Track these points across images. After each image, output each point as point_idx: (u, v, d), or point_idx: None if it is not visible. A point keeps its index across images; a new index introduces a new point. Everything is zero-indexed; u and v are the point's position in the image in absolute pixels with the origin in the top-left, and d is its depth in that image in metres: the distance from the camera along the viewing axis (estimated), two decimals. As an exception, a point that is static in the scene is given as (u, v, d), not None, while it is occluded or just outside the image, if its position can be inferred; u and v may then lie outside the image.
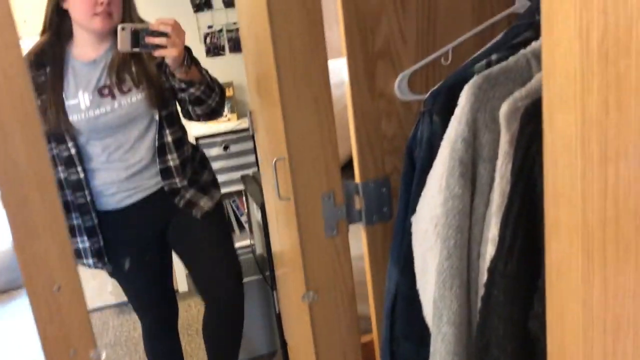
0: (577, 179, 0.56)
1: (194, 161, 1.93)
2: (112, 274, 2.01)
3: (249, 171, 3.59)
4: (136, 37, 1.50)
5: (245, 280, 2.78)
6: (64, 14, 1.70)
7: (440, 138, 1.00)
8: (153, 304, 2.05)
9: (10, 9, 0.91)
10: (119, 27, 1.49)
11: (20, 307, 3.80)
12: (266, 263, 2.65)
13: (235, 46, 3.79)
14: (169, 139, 1.78)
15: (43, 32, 1.74)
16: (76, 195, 1.77)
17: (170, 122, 1.79)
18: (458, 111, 0.91)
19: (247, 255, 3.34)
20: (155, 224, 1.93)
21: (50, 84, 1.69)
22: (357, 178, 1.18)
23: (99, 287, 3.60)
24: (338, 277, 1.18)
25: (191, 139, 2.52)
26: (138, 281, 1.99)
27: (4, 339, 3.43)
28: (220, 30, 3.78)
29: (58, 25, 1.71)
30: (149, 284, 2.01)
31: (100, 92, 1.71)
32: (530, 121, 0.80)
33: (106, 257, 1.85)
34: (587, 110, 0.52)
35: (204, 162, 2.01)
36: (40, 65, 1.70)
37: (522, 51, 0.92)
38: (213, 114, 1.78)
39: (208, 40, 3.77)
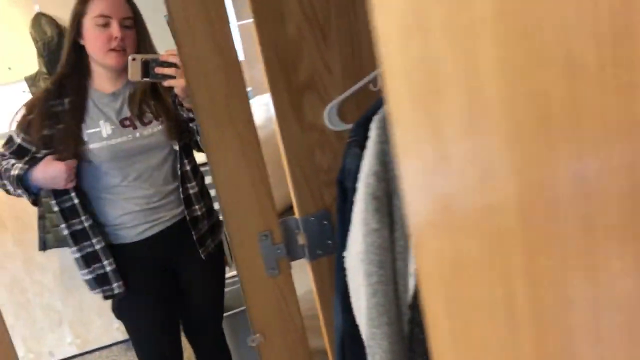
0: (429, 230, 0.53)
1: (205, 191, 1.97)
2: (120, 313, 2.01)
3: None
4: (146, 68, 1.55)
5: (238, 310, 2.78)
6: (81, 49, 1.74)
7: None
8: (159, 345, 2.03)
9: None
10: (130, 57, 1.55)
11: None
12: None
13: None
14: (187, 167, 1.83)
15: (62, 65, 1.77)
16: (81, 221, 1.79)
17: (187, 152, 1.84)
18: (369, 144, 0.89)
19: (236, 285, 3.31)
20: (169, 260, 1.95)
21: (71, 112, 1.72)
22: (297, 213, 1.15)
23: (105, 325, 3.60)
24: (285, 316, 1.15)
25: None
26: (148, 316, 1.97)
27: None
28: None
29: (76, 59, 1.75)
30: (157, 321, 1.99)
31: (122, 123, 1.77)
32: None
33: (115, 283, 1.85)
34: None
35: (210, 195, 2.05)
36: (60, 95, 1.74)
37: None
38: None
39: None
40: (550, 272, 0.39)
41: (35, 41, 3.20)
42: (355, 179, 1.02)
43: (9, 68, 3.29)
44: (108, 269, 1.83)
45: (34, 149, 1.74)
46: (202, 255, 1.91)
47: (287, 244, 1.15)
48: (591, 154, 0.32)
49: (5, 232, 3.37)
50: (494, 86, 0.37)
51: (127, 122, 1.77)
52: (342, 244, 1.08)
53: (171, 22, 1.01)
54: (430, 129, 0.46)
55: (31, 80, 3.23)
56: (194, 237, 1.87)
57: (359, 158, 1.01)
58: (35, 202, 1.80)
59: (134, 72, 1.55)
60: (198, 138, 1.78)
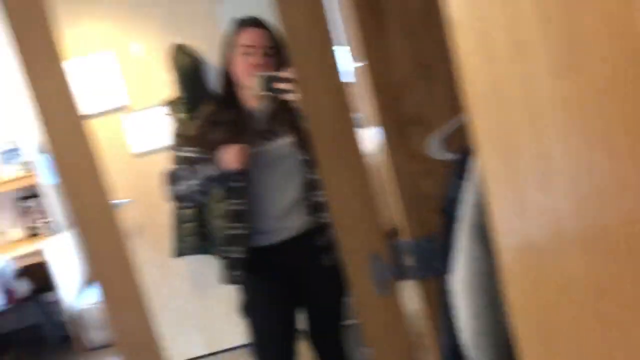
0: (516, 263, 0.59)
1: None
2: (243, 312, 2.20)
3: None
4: (268, 83, 1.76)
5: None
6: (230, 74, 2.02)
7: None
8: (276, 348, 2.18)
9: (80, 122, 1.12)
10: (254, 74, 1.79)
11: None
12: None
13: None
14: (313, 177, 1.97)
15: (221, 87, 2.06)
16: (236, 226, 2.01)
17: (314, 162, 1.99)
18: (471, 175, 0.95)
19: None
20: (294, 267, 2.11)
21: (231, 124, 1.99)
22: (405, 236, 1.23)
23: (232, 328, 3.85)
24: (394, 333, 1.24)
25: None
26: (269, 317, 2.14)
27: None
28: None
29: (229, 83, 2.03)
30: (276, 324, 2.15)
31: (259, 135, 2.00)
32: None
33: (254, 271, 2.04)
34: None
35: None
36: (221, 111, 2.03)
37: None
38: None
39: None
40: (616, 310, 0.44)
41: (175, 69, 3.53)
42: (458, 207, 1.09)
43: (153, 94, 3.65)
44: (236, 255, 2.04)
45: (198, 155, 2.00)
46: (326, 264, 2.01)
47: (396, 265, 1.24)
48: None
49: (146, 239, 3.73)
50: (558, 152, 0.44)
51: (263, 134, 2.00)
52: (446, 268, 1.15)
53: (292, 67, 1.14)
54: (510, 179, 0.53)
55: (171, 104, 3.57)
56: (319, 245, 2.00)
57: (461, 187, 1.07)
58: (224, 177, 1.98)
59: (258, 87, 1.76)
60: None
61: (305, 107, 1.16)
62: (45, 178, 4.70)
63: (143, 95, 3.65)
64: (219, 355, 3.87)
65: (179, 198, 2.06)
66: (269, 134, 1.99)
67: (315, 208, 2.00)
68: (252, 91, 1.96)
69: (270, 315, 2.15)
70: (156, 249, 3.75)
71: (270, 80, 1.76)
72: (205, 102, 2.13)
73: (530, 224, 0.53)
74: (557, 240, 0.48)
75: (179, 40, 3.56)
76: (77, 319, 4.41)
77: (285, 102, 1.93)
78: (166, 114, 3.55)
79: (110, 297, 1.18)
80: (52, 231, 4.60)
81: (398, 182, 1.20)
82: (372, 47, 1.15)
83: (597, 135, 0.38)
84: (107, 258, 1.15)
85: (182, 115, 3.55)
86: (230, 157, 1.91)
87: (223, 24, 3.91)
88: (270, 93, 1.77)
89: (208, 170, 1.95)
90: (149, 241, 3.75)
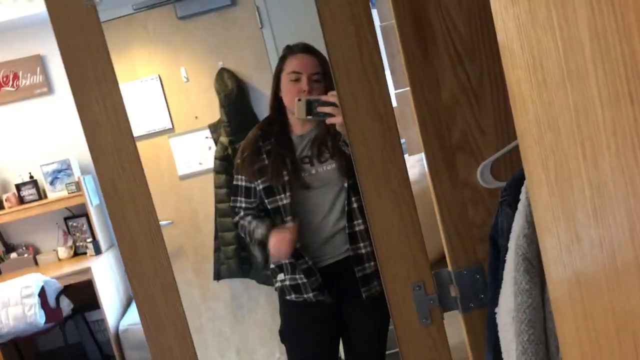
0: (566, 298, 0.57)
1: None
2: (283, 337, 2.19)
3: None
4: (310, 107, 1.76)
5: (392, 351, 2.83)
6: (280, 99, 2.05)
7: (514, 229, 1.01)
8: None
9: (137, 149, 1.13)
10: (296, 98, 1.78)
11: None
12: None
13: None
14: (355, 205, 1.96)
15: (270, 112, 2.10)
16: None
17: (356, 190, 1.97)
18: (520, 206, 0.93)
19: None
20: (333, 297, 2.08)
21: (277, 149, 2.03)
22: (450, 266, 1.21)
23: (268, 354, 3.83)
24: (436, 364, 1.20)
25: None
26: (314, 346, 2.13)
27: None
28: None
29: (276, 108, 2.06)
30: (314, 354, 2.14)
31: (302, 160, 2.02)
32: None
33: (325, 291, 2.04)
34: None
35: None
36: (266, 137, 2.06)
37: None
38: None
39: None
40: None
41: (218, 93, 3.59)
42: (507, 237, 1.06)
43: (196, 117, 3.72)
44: (300, 282, 2.04)
45: (253, 185, 2.04)
46: (364, 296, 1.99)
47: (440, 295, 1.21)
48: None
49: (186, 262, 3.76)
50: (612, 184, 0.42)
51: (306, 160, 2.00)
52: (493, 300, 1.11)
53: (337, 93, 1.14)
54: (564, 212, 0.51)
55: (213, 127, 3.63)
56: (359, 276, 1.97)
57: (510, 217, 1.04)
58: (265, 260, 2.08)
59: (300, 111, 1.76)
60: None
61: (352, 132, 1.15)
62: (92, 198, 4.82)
63: (186, 118, 3.72)
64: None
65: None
66: (313, 160, 2.00)
67: (353, 238, 1.98)
68: (295, 115, 1.98)
69: (305, 344, 2.13)
70: (197, 272, 3.78)
71: (312, 103, 1.75)
72: (250, 127, 2.15)
73: (583, 256, 0.51)
74: (613, 272, 0.45)
75: (224, 64, 3.63)
76: (119, 338, 4.46)
77: (329, 127, 1.95)
78: (208, 137, 3.61)
79: (151, 318, 1.18)
80: (98, 250, 4.70)
81: (443, 209, 1.18)
82: (419, 72, 1.14)
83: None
84: (151, 279, 1.16)
85: (224, 139, 3.60)
86: (278, 247, 1.98)
87: (269, 48, 3.98)
88: (312, 117, 1.76)
89: (259, 239, 2.03)
90: (190, 263, 3.78)
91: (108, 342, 4.61)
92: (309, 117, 1.77)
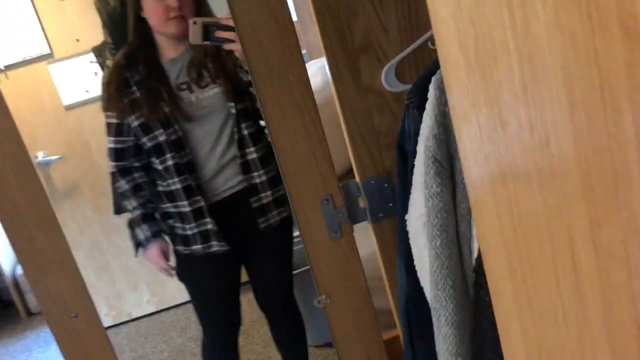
0: (488, 195, 0.51)
1: (271, 159, 1.92)
2: (183, 278, 2.08)
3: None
4: (207, 31, 1.55)
5: (303, 269, 2.82)
6: (143, 21, 1.79)
7: (422, 131, 0.95)
8: (222, 315, 2.08)
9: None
10: (191, 21, 1.55)
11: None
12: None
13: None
14: (246, 132, 1.82)
15: (129, 39, 1.85)
16: (186, 178, 1.84)
17: (245, 115, 1.82)
18: (428, 106, 0.87)
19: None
20: (230, 231, 1.94)
21: (147, 79, 1.79)
22: (357, 176, 1.15)
23: (180, 284, 3.75)
24: (349, 278, 1.17)
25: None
26: (212, 290, 2.04)
27: None
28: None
29: (140, 32, 1.81)
30: (222, 294, 2.06)
31: (178, 87, 1.80)
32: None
33: (215, 240, 1.89)
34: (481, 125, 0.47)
35: None
36: (132, 65, 1.81)
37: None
38: None
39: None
40: (615, 240, 0.37)
41: (100, 12, 3.28)
42: (414, 142, 1.01)
43: (77, 40, 3.40)
44: (189, 232, 1.90)
45: (125, 122, 1.81)
46: (261, 227, 1.88)
47: (349, 207, 1.16)
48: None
49: (82, 198, 3.54)
50: (548, 52, 0.35)
51: (184, 86, 1.79)
52: (403, 207, 1.07)
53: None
54: (487, 94, 0.44)
55: (98, 51, 3.33)
56: (252, 207, 1.86)
57: (417, 120, 0.99)
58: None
59: (195, 35, 1.54)
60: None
61: (245, 34, 1.03)
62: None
63: (66, 42, 3.38)
64: (171, 311, 3.79)
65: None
66: (191, 86, 1.80)
67: (246, 168, 1.84)
68: (169, 37, 1.77)
69: (205, 282, 2.03)
70: (96, 207, 3.57)
71: (210, 27, 1.54)
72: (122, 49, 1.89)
73: (510, 143, 0.44)
74: (545, 159, 0.39)
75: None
76: (18, 282, 4.21)
77: (205, 48, 1.76)
78: (93, 62, 3.32)
79: (32, 260, 1.05)
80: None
81: (348, 117, 1.10)
82: (314, -33, 1.03)
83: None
84: (25, 215, 1.02)
85: (110, 62, 3.32)
86: (152, 259, 1.93)
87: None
88: (210, 42, 1.57)
89: (137, 227, 1.93)
90: (88, 199, 3.56)
91: (6, 289, 4.35)
92: (206, 42, 1.57)
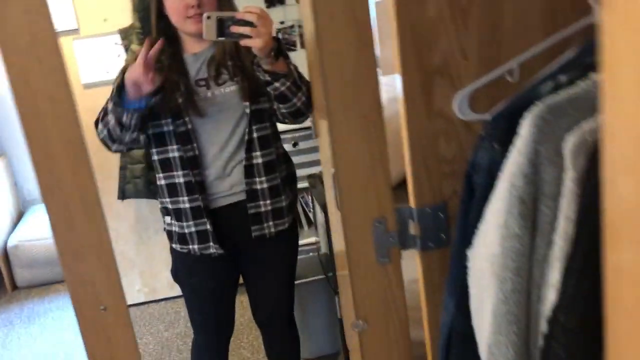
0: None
1: (280, 168, 1.89)
2: (178, 277, 2.02)
3: (318, 168, 3.57)
4: (221, 26, 1.48)
5: (309, 279, 2.76)
6: (165, 18, 1.76)
7: (500, 166, 0.91)
8: (214, 318, 2.03)
9: (55, 35, 0.91)
10: (204, 15, 1.49)
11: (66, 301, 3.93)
12: (330, 263, 2.62)
13: (307, 41, 3.75)
14: (256, 135, 1.78)
15: (153, 35, 1.80)
16: (188, 173, 1.78)
17: (258, 118, 1.79)
18: (519, 142, 0.83)
19: (313, 253, 3.34)
20: (231, 238, 1.90)
21: (167, 71, 1.74)
22: (412, 203, 1.10)
23: (128, 286, 3.64)
24: (390, 306, 1.12)
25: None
26: (207, 293, 1.99)
27: (52, 334, 3.57)
28: (292, 26, 3.76)
29: (163, 28, 1.78)
30: (217, 298, 2.00)
31: (197, 83, 1.77)
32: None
33: (213, 240, 1.83)
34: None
35: (292, 177, 1.98)
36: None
37: (594, 75, 0.82)
38: (298, 114, 1.73)
39: (280, 35, 3.75)
40: None
41: (131, -7, 3.23)
42: (486, 176, 0.96)
43: (105, 20, 3.35)
44: (187, 230, 1.85)
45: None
46: (253, 235, 1.83)
47: (399, 232, 1.11)
48: None
49: (88, 179, 3.47)
50: None
51: (202, 82, 1.77)
52: (461, 241, 1.03)
53: (312, 2, 0.97)
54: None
55: (124, 33, 3.27)
56: (249, 212, 1.81)
57: (497, 154, 0.95)
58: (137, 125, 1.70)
59: (209, 31, 1.48)
60: (275, 105, 1.72)
61: (324, 40, 0.98)
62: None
63: (94, 20, 3.33)
64: (161, 304, 3.72)
65: (104, 139, 1.77)
66: (209, 82, 1.77)
67: (254, 171, 1.79)
68: (190, 35, 1.74)
69: (202, 288, 1.98)
70: (100, 190, 3.49)
71: (225, 22, 1.48)
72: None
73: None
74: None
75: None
76: (8, 255, 4.12)
77: (228, 45, 1.74)
78: (118, 43, 3.26)
79: (68, 243, 0.99)
80: (-18, 159, 4.24)
81: (414, 140, 1.06)
82: (404, -20, 0.99)
83: None
84: (70, 197, 0.97)
85: (135, 47, 3.27)
86: (131, 69, 1.59)
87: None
88: (225, 38, 1.50)
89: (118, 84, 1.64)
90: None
91: (-6, 259, 4.26)
92: (221, 38, 1.49)
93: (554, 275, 0.79)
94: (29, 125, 0.93)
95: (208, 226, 1.81)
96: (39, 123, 0.93)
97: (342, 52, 0.99)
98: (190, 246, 1.86)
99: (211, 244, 1.83)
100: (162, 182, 1.84)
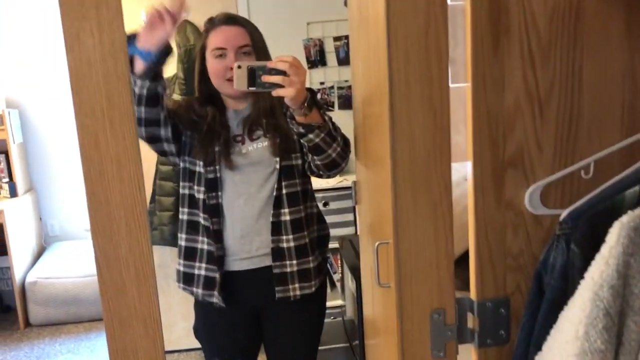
0: None
1: (312, 228, 1.85)
2: (197, 336, 1.97)
3: (346, 229, 3.51)
4: (253, 76, 1.44)
5: (331, 346, 2.67)
6: (208, 80, 1.80)
7: (578, 270, 0.87)
8: None
9: (131, 100, 0.89)
10: (235, 65, 1.46)
11: (78, 344, 3.85)
12: (355, 330, 2.53)
13: (345, 103, 3.78)
14: (285, 191, 1.75)
15: (195, 94, 1.86)
16: (210, 220, 1.76)
17: (288, 174, 1.76)
18: (606, 251, 0.78)
19: (336, 318, 3.25)
20: (256, 301, 1.85)
21: (210, 120, 1.78)
22: (473, 295, 1.05)
23: (188, 329, 3.60)
24: (442, 403, 1.05)
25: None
26: (229, 353, 1.92)
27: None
28: (332, 87, 3.79)
29: (205, 88, 1.82)
30: (238, 354, 1.94)
31: (234, 138, 1.79)
32: None
33: (218, 290, 1.79)
34: None
35: (324, 240, 1.94)
36: (202, 104, 1.82)
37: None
38: (333, 166, 1.68)
39: (319, 96, 3.78)
40: None
41: (179, 47, 3.29)
42: (561, 278, 0.92)
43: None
44: (197, 272, 1.81)
45: (181, 124, 1.77)
46: (276, 297, 1.77)
47: (458, 326, 1.06)
48: None
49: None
50: None
51: (239, 138, 1.78)
52: (527, 343, 0.97)
53: (389, 76, 0.95)
54: None
55: (167, 82, 3.32)
56: (273, 272, 1.75)
57: (570, 255, 0.90)
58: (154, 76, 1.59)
59: (240, 80, 1.44)
60: (310, 157, 1.70)
61: (398, 123, 0.96)
62: (15, 135, 4.38)
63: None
64: (174, 355, 3.64)
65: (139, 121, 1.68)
66: (244, 138, 1.78)
67: (281, 228, 1.75)
68: (228, 97, 1.78)
69: (221, 347, 1.91)
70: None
71: (256, 72, 1.44)
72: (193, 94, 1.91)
73: None
74: None
75: (188, 16, 3.32)
76: (25, 290, 4.09)
77: (264, 103, 1.75)
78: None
79: (116, 311, 0.96)
80: (14, 193, 4.27)
81: (480, 231, 1.02)
82: (484, 67, 0.97)
83: None
84: (124, 265, 0.94)
85: (177, 97, 3.30)
86: (151, 20, 1.46)
87: (240, 6, 3.69)
88: (256, 89, 1.46)
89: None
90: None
91: (11, 293, 4.22)
92: (252, 88, 1.45)
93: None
94: (92, 186, 0.91)
95: (217, 274, 1.77)
96: (102, 186, 0.91)
97: (415, 138, 0.97)
98: (194, 289, 1.82)
99: (215, 293, 1.78)
100: (184, 217, 1.83)
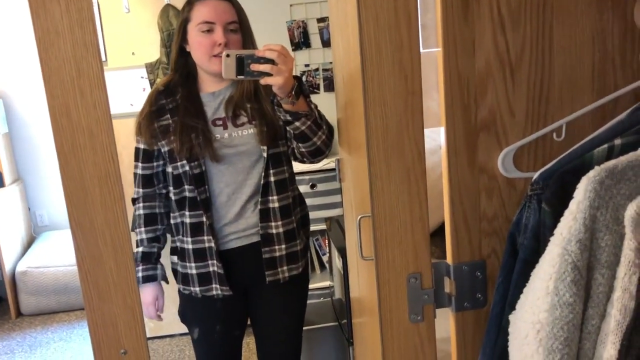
0: None
1: (295, 211, 1.86)
2: (183, 319, 1.98)
3: (335, 210, 3.53)
4: (241, 64, 1.43)
5: (320, 325, 2.69)
6: (187, 55, 1.75)
7: (549, 229, 0.88)
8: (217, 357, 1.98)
9: (102, 70, 0.89)
10: (224, 53, 1.44)
11: (70, 332, 3.87)
12: (344, 310, 2.55)
13: (330, 85, 3.78)
14: (273, 178, 1.75)
15: (171, 71, 1.80)
16: (198, 215, 1.76)
17: (276, 162, 1.76)
18: (573, 206, 0.79)
19: (325, 298, 3.27)
20: (241, 281, 1.86)
21: (183, 109, 1.73)
22: (449, 259, 1.06)
23: (177, 315, 3.62)
24: (420, 366, 1.07)
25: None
26: (214, 335, 1.93)
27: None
28: (317, 69, 3.78)
29: (183, 65, 1.77)
30: (224, 341, 1.95)
31: (213, 122, 1.74)
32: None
33: (218, 283, 1.80)
34: None
35: (306, 219, 1.95)
36: (171, 94, 1.76)
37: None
38: (317, 153, 1.69)
39: (304, 78, 3.78)
40: None
41: (161, 31, 3.27)
42: (534, 237, 0.93)
43: (133, 53, 3.39)
44: (189, 271, 1.81)
45: (154, 148, 1.76)
46: (267, 280, 1.78)
47: (435, 290, 1.07)
48: None
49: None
50: None
51: (219, 122, 1.74)
52: (502, 303, 0.99)
53: (360, 42, 0.95)
54: None
55: (150, 67, 3.31)
56: (263, 257, 1.77)
57: (542, 214, 0.91)
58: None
59: (228, 69, 1.42)
60: (295, 144, 1.69)
61: (369, 89, 0.96)
62: (0, 124, 4.35)
63: (122, 53, 3.37)
64: (165, 340, 3.65)
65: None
66: (227, 122, 1.74)
67: (264, 215, 1.75)
68: (212, 74, 1.72)
69: (208, 330, 1.92)
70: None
71: (244, 60, 1.43)
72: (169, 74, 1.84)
73: None
74: None
75: (169, 0, 3.31)
76: (15, 280, 4.08)
77: (247, 85, 1.72)
78: (143, 77, 3.30)
79: (94, 281, 0.96)
80: (1, 183, 4.25)
81: (454, 196, 1.03)
82: (454, 32, 0.97)
83: None
84: (100, 235, 0.94)
85: (160, 81, 3.30)
86: (143, 302, 1.79)
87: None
88: (244, 77, 1.46)
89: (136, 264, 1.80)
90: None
91: (1, 283, 4.21)
92: (240, 77, 1.45)
93: (609, 351, 0.75)
94: (65, 157, 0.91)
95: (211, 268, 1.77)
96: (76, 156, 0.91)
97: (387, 103, 0.97)
98: (192, 288, 1.82)
99: (215, 285, 1.79)
100: (174, 220, 1.82)
